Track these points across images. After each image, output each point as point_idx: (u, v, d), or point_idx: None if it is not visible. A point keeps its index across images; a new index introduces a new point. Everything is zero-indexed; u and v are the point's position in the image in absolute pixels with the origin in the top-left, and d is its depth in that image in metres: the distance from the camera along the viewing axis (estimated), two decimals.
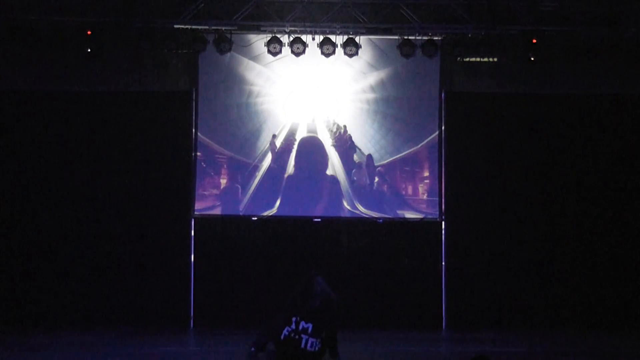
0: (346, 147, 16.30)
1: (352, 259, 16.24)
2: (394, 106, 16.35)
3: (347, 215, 16.28)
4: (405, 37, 15.53)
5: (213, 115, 16.29)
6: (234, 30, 15.60)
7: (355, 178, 16.31)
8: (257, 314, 14.67)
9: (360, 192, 16.30)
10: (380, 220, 16.28)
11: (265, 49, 15.54)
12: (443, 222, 16.33)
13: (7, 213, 15.95)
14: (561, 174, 16.34)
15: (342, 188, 16.28)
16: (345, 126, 16.31)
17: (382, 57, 16.25)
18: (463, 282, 16.14)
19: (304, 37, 15.49)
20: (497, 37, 15.60)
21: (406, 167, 16.38)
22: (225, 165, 16.29)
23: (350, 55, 15.62)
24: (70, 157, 16.04)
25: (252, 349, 7.16)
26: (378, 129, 16.33)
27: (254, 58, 16.18)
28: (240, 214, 16.23)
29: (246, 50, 16.11)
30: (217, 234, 16.23)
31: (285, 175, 16.28)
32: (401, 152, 16.34)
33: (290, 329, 7.03)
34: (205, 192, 16.27)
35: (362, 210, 16.26)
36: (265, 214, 16.23)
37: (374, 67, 16.28)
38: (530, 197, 16.31)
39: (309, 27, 15.48)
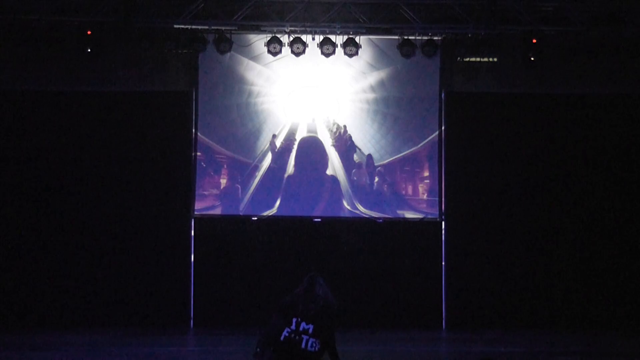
0: (346, 147, 16.31)
1: (352, 259, 16.23)
2: (394, 106, 16.35)
3: (347, 215, 16.28)
4: (405, 37, 15.54)
5: (213, 115, 16.29)
6: (234, 30, 15.61)
7: (355, 178, 16.31)
8: (257, 314, 14.69)
9: (360, 192, 16.31)
10: (380, 220, 16.28)
11: (265, 49, 15.55)
12: (443, 222, 16.33)
13: (7, 213, 15.94)
14: (561, 174, 16.34)
15: (342, 188, 16.29)
16: (345, 126, 16.31)
17: (382, 57, 16.25)
18: (463, 282, 16.14)
19: (304, 37, 15.49)
20: (497, 37, 15.59)
21: (406, 167, 16.38)
22: (225, 165, 16.29)
23: (350, 55, 15.62)
24: (70, 157, 16.04)
25: (258, 349, 7.16)
26: (378, 129, 16.33)
27: (254, 58, 16.18)
28: (240, 214, 16.23)
29: (246, 50, 16.12)
30: (217, 234, 16.23)
31: (285, 175, 16.28)
32: (401, 152, 16.34)
33: (290, 330, 7.03)
34: (205, 192, 16.27)
35: (362, 210, 16.26)
36: (265, 214, 16.23)
37: (374, 67, 16.28)
38: (530, 197, 16.31)
39: (309, 27, 15.49)
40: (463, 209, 16.30)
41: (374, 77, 16.32)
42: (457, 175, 16.32)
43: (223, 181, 16.32)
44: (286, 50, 15.53)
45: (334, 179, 16.29)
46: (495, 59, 16.14)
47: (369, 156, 16.29)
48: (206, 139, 16.25)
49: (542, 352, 13.49)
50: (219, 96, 16.28)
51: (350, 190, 16.28)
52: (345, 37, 15.55)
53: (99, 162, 16.06)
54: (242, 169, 16.25)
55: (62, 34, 15.39)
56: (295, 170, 16.30)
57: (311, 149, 16.34)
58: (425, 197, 16.36)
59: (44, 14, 15.00)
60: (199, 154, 16.26)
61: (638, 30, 15.27)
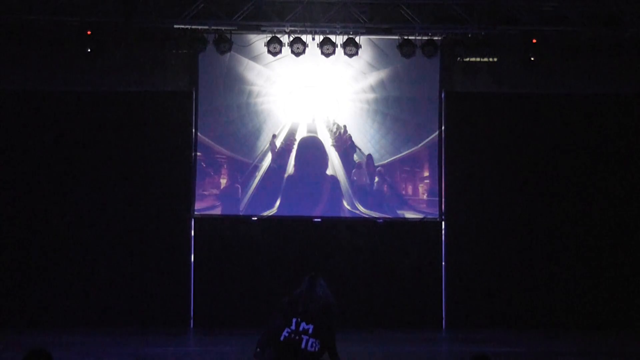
0: (346, 147, 16.31)
1: (352, 259, 16.24)
2: (394, 106, 16.35)
3: (347, 215, 16.28)
4: (405, 37, 15.53)
5: (213, 115, 16.29)
6: (234, 30, 15.60)
7: (355, 178, 16.31)
8: (257, 314, 14.66)
9: (360, 192, 16.31)
10: (380, 220, 16.28)
11: (265, 49, 15.54)
12: (443, 222, 16.33)
13: (7, 213, 15.94)
14: (561, 174, 16.35)
15: (342, 188, 16.29)
16: (345, 126, 16.31)
17: (382, 57, 16.25)
18: (463, 282, 16.14)
19: (304, 37, 15.48)
20: (497, 37, 15.61)
21: (406, 167, 16.38)
22: (225, 165, 16.29)
23: (350, 55, 15.61)
24: (70, 157, 16.04)
25: (258, 349, 7.16)
26: (378, 129, 16.33)
27: (254, 58, 16.18)
28: (240, 214, 16.23)
29: (246, 50, 16.12)
30: (217, 234, 16.22)
31: (285, 175, 16.28)
32: (401, 152, 16.34)
33: (290, 330, 7.03)
34: (205, 192, 16.27)
35: (362, 210, 16.26)
36: (265, 214, 16.23)
37: (374, 67, 16.28)
38: (530, 197, 16.31)
39: (309, 27, 15.48)
40: (463, 209, 16.30)
41: (374, 77, 16.32)
42: (457, 175, 16.32)
43: (223, 181, 16.32)
44: (286, 50, 15.52)
45: (334, 179, 16.29)
46: (495, 59, 16.16)
47: (369, 156, 16.29)
48: (206, 139, 16.25)
49: (542, 352, 13.50)
50: (219, 96, 16.28)
51: (350, 190, 16.28)
52: (345, 37, 15.54)
53: (99, 162, 16.05)
54: (242, 169, 16.25)
55: (62, 34, 15.38)
56: (295, 170, 16.30)
57: (311, 149, 16.34)
58: (425, 197, 16.36)
59: (44, 14, 14.98)
60: (199, 154, 16.26)
61: (638, 30, 15.26)
